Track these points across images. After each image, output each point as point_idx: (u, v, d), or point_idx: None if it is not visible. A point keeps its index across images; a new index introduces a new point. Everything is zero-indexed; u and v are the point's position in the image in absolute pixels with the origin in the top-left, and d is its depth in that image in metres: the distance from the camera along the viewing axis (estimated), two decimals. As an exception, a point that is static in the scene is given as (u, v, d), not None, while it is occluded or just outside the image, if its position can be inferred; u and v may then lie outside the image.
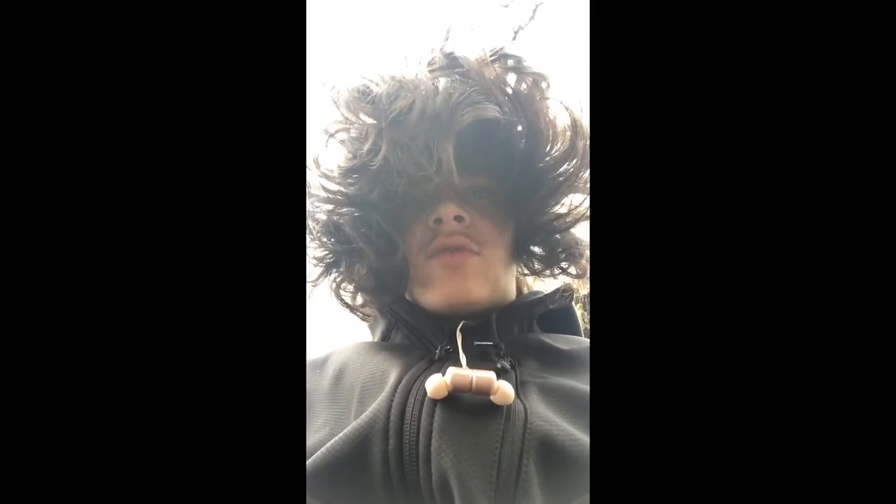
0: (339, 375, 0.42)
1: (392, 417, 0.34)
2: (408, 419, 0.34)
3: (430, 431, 0.33)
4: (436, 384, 0.34)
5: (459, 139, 0.39)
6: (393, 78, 0.40)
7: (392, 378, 0.38)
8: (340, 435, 0.34)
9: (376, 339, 0.49)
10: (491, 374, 0.34)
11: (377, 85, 0.40)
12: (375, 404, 0.35)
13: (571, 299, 0.50)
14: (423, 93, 0.39)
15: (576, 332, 0.50)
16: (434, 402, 0.34)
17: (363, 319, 0.51)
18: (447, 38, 0.43)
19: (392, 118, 0.39)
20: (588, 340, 0.45)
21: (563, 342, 0.43)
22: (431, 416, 0.33)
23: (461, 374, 0.34)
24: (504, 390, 0.34)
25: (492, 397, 0.34)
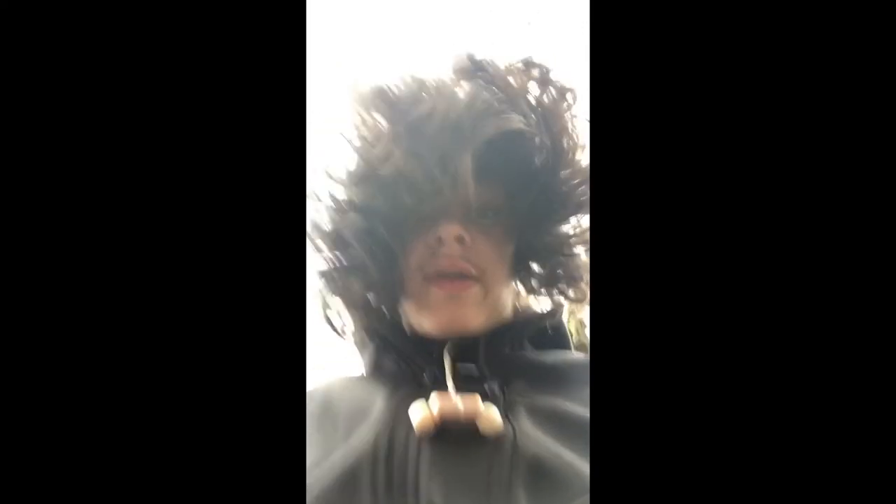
0: (324, 401, 0.39)
1: (379, 446, 0.32)
2: (395, 448, 0.32)
3: (418, 461, 0.31)
4: (421, 418, 0.32)
5: (478, 152, 0.36)
6: (413, 79, 0.38)
7: (378, 405, 0.36)
8: (327, 463, 0.32)
9: (365, 363, 0.46)
10: (477, 397, 0.33)
11: (397, 87, 0.38)
12: (362, 433, 0.33)
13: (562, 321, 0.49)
14: (446, 99, 0.36)
15: (565, 346, 0.48)
16: None
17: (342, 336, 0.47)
18: (471, 42, 0.41)
19: (409, 123, 0.36)
20: (579, 354, 0.44)
21: (552, 357, 0.42)
22: (419, 446, 0.32)
23: (447, 402, 0.33)
24: (491, 416, 0.32)
25: (478, 424, 0.32)
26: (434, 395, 0.33)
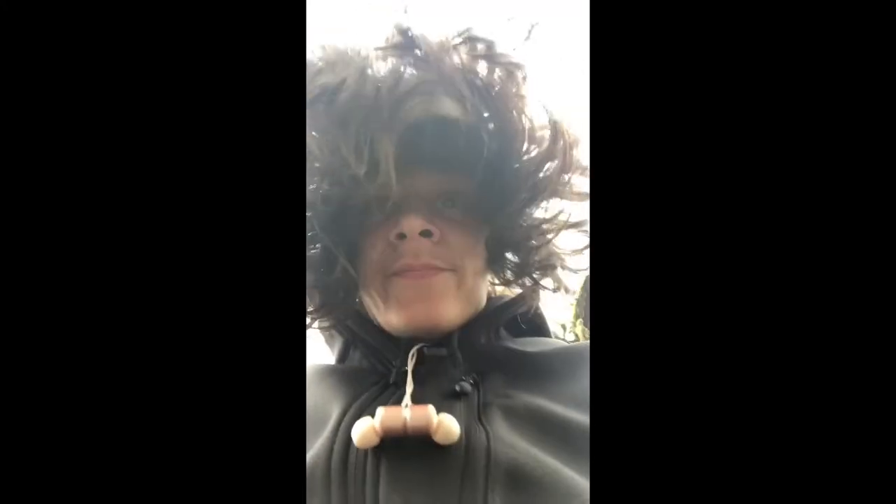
0: None
1: (333, 464, 0.29)
2: (351, 465, 0.29)
3: (378, 478, 0.28)
4: (362, 432, 0.29)
5: (411, 136, 0.33)
6: (333, 49, 0.33)
7: (335, 413, 0.33)
8: None
9: (334, 358, 0.45)
10: (428, 409, 0.30)
11: (312, 53, 0.33)
12: (315, 447, 0.31)
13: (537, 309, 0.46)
14: (360, 72, 0.32)
15: (545, 333, 0.46)
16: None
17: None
18: (405, 12, 0.38)
19: (313, 97, 0.31)
20: (558, 342, 0.42)
21: (531, 346, 0.39)
22: (378, 460, 0.29)
23: (392, 414, 0.30)
24: (446, 427, 0.29)
25: (433, 436, 0.29)
26: (379, 411, 0.30)
